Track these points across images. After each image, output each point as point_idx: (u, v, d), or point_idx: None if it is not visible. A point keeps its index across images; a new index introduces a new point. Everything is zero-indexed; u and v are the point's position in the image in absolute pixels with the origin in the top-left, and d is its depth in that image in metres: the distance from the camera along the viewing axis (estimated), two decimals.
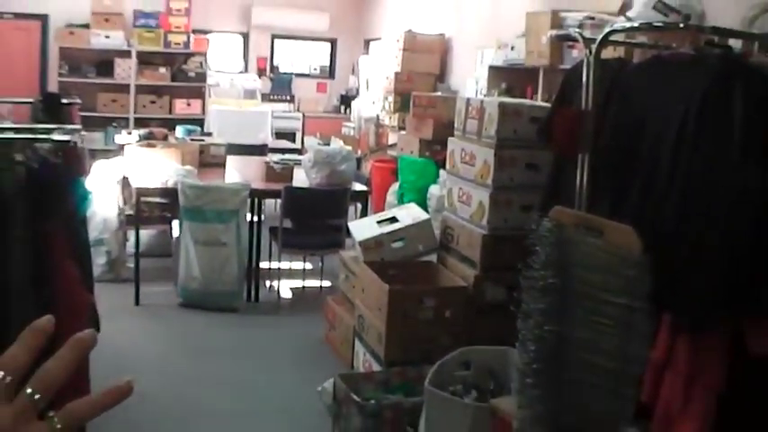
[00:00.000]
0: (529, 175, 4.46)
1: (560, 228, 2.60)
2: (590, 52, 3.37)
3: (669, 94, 3.10)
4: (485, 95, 7.44)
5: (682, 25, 3.33)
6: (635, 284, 2.44)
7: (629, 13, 3.97)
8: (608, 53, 3.95)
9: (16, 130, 3.35)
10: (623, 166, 3.32)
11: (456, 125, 4.93)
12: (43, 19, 12.12)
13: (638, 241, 2.46)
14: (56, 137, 3.37)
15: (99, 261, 6.52)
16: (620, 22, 3.77)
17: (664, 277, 2.67)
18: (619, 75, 3.45)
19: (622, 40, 4.03)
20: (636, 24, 3.58)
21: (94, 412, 0.78)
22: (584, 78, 3.41)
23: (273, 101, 12.84)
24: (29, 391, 0.75)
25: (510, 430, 2.67)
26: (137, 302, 6.39)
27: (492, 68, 7.95)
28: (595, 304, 2.51)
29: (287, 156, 7.95)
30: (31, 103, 4.24)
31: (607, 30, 3.42)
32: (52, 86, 11.44)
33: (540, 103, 5.75)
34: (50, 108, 4.12)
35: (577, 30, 4.59)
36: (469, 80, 8.90)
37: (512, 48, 7.48)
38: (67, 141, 3.45)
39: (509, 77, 7.74)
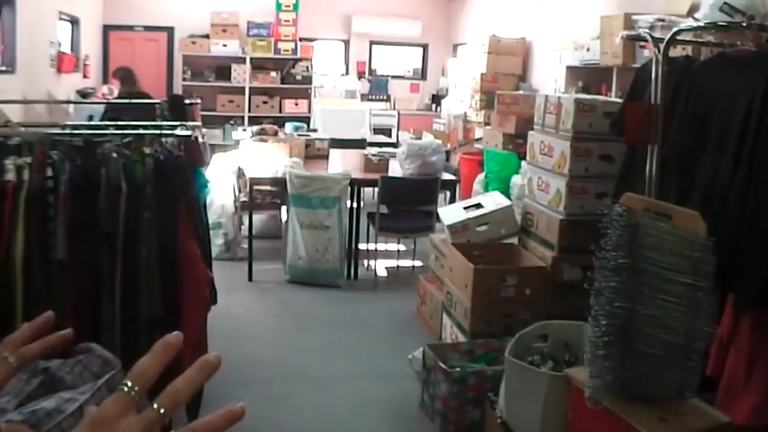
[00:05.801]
0: (603, 165, 4.38)
1: (631, 213, 2.54)
2: (659, 51, 3.28)
3: (733, 87, 3.00)
4: (562, 93, 7.32)
5: (744, 24, 3.20)
6: (700, 265, 2.37)
7: (696, 15, 3.83)
8: (676, 52, 3.83)
9: (145, 127, 3.42)
10: (691, 155, 3.23)
11: (536, 120, 4.86)
12: (169, 31, 12.48)
13: (704, 225, 2.39)
14: (179, 132, 3.44)
15: (217, 242, 6.68)
16: (688, 23, 3.65)
17: (728, 258, 2.59)
18: (686, 71, 3.35)
19: (690, 39, 3.91)
20: (701, 24, 3.46)
21: (190, 393, 0.77)
22: (653, 75, 3.33)
23: (371, 100, 12.91)
24: (156, 405, 0.74)
25: (582, 397, 2.62)
26: (250, 279, 6.51)
27: (569, 68, 7.82)
28: (663, 283, 2.45)
29: (383, 149, 7.98)
30: (158, 103, 4.33)
31: (675, 30, 3.32)
32: (177, 89, 11.76)
33: (613, 99, 5.62)
34: (175, 108, 4.19)
35: (647, 30, 4.46)
36: (548, 79, 8.77)
37: (587, 49, 7.36)
38: (189, 136, 3.52)
39: (585, 76, 7.60)
